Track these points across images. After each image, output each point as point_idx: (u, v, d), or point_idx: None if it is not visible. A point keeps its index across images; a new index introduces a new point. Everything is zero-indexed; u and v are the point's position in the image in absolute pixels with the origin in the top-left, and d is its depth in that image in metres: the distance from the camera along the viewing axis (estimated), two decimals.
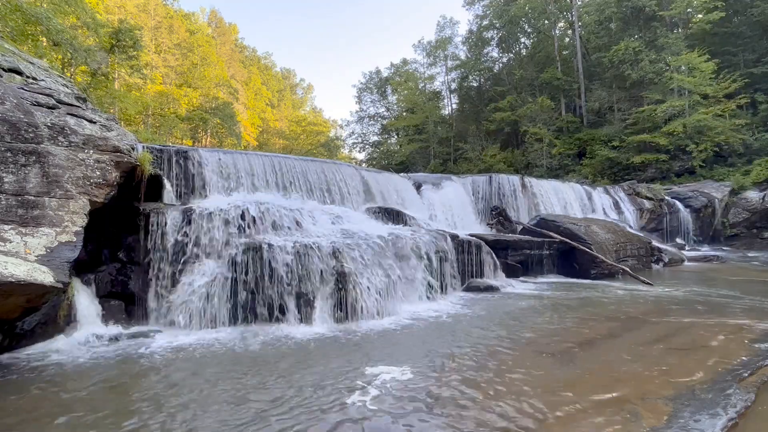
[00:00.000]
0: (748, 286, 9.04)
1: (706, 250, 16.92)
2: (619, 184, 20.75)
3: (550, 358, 4.44)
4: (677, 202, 19.21)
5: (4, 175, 4.66)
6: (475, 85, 42.99)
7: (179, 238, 6.17)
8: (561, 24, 36.56)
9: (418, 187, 13.43)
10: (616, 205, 18.03)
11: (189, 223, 6.26)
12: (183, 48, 42.94)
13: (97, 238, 6.11)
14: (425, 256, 7.89)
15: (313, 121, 68.29)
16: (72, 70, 21.63)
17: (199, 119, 38.22)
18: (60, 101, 5.81)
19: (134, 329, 5.53)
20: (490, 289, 8.58)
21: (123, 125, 20.65)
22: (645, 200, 18.80)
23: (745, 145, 21.83)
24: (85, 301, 5.52)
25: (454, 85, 44.57)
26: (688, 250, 16.44)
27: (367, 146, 51.85)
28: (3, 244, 4.37)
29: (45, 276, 4.29)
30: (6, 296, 4.08)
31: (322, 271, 6.17)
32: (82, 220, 5.14)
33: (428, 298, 7.62)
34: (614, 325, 5.81)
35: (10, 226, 4.54)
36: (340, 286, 6.12)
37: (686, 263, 13.55)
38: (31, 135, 4.99)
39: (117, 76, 30.05)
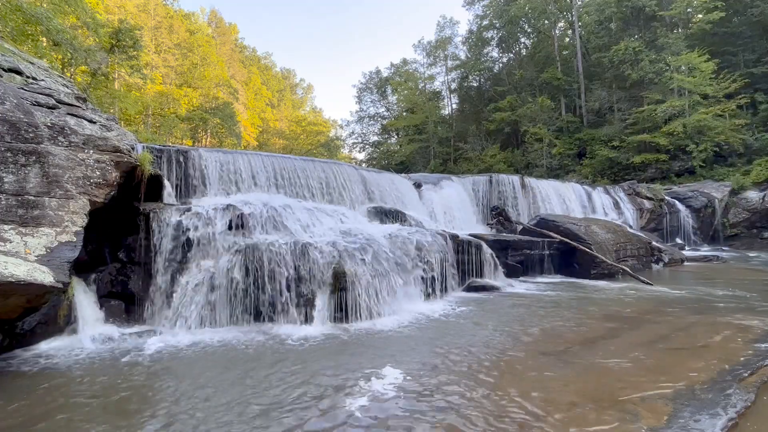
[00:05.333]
0: (748, 286, 9.04)
1: (706, 250, 16.92)
2: (619, 184, 20.75)
3: (550, 357, 4.44)
4: (677, 202, 19.21)
5: (4, 175, 4.66)
6: (475, 85, 43.00)
7: (179, 237, 6.16)
8: (561, 24, 36.58)
9: (418, 187, 13.43)
10: (616, 205, 18.03)
11: (189, 223, 6.26)
12: (183, 48, 42.93)
13: (97, 238, 6.12)
14: (425, 256, 7.88)
15: (313, 121, 68.23)
16: (72, 70, 21.61)
17: (199, 119, 38.18)
18: (60, 101, 5.80)
19: (134, 329, 5.53)
20: (490, 288, 8.58)
21: (123, 125, 20.66)
22: (645, 200, 18.80)
23: (745, 145, 21.83)
24: (85, 301, 5.52)
25: (454, 85, 44.62)
26: (688, 250, 16.44)
27: (367, 146, 51.90)
28: (3, 244, 4.37)
29: (45, 276, 4.29)
30: (6, 296, 4.08)
31: (321, 271, 6.17)
32: (82, 220, 5.14)
33: (428, 297, 7.62)
34: (614, 325, 5.81)
35: (10, 226, 4.53)
36: (340, 286, 6.12)
37: (686, 263, 13.54)
38: (31, 135, 4.99)
39: (117, 76, 30.04)
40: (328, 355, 4.68)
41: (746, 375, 3.85)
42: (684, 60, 23.64)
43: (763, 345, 4.74)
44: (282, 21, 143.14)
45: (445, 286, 8.12)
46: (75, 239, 4.96)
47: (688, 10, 26.27)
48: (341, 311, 6.05)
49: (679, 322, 5.91)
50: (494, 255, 9.43)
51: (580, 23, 32.25)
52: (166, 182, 7.36)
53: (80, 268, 5.75)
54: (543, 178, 19.06)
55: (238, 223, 6.56)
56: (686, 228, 18.83)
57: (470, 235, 9.69)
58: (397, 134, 48.41)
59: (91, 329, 5.30)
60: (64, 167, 5.17)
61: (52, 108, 5.54)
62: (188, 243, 6.15)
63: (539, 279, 10.45)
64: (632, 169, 24.93)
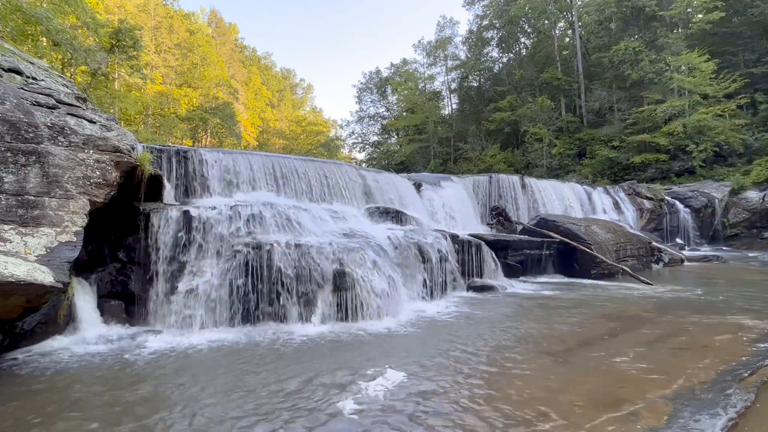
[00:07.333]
0: (748, 286, 9.04)
1: (706, 250, 16.92)
2: (619, 184, 20.75)
3: (550, 357, 4.44)
4: (677, 202, 19.22)
5: (4, 175, 4.65)
6: (475, 85, 43.02)
7: (179, 237, 6.16)
8: (561, 24, 36.59)
9: (418, 187, 13.42)
10: (616, 205, 18.03)
11: (189, 222, 6.26)
12: (183, 48, 42.93)
13: (97, 238, 6.11)
14: (425, 256, 7.88)
15: (313, 121, 68.21)
16: (72, 70, 21.59)
17: (199, 119, 38.18)
18: (60, 101, 5.80)
19: (134, 329, 5.53)
20: (490, 289, 8.58)
21: (123, 125, 20.64)
22: (645, 200, 18.80)
23: (745, 145, 21.83)
24: (85, 301, 5.52)
25: (454, 85, 44.63)
26: (688, 250, 16.44)
27: (367, 146, 51.90)
28: (3, 244, 4.37)
29: (45, 276, 4.29)
30: (6, 296, 4.08)
31: (322, 271, 6.17)
32: (82, 220, 5.14)
33: (428, 298, 7.62)
34: (614, 325, 5.81)
35: (10, 226, 4.53)
36: (341, 286, 6.12)
37: (686, 263, 13.54)
38: (31, 135, 4.99)
39: (117, 76, 30.03)
40: (329, 355, 4.68)
41: (746, 375, 3.85)
42: (684, 60, 23.64)
43: (763, 345, 4.74)
44: (282, 21, 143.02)
45: (445, 286, 8.12)
46: (75, 239, 4.96)
47: (688, 10, 26.28)
48: (342, 311, 6.05)
49: (679, 322, 5.91)
50: (494, 255, 9.43)
51: (580, 23, 32.25)
52: (166, 182, 7.36)
53: (80, 268, 5.75)
54: (543, 178, 19.07)
55: (239, 223, 6.56)
56: (686, 228, 18.84)
57: (470, 235, 9.69)
58: (397, 134, 48.40)
59: (91, 329, 5.30)
60: (64, 167, 5.17)
61: (52, 108, 5.54)
62: (188, 243, 6.15)
63: (539, 279, 10.45)
64: (632, 169, 24.94)
